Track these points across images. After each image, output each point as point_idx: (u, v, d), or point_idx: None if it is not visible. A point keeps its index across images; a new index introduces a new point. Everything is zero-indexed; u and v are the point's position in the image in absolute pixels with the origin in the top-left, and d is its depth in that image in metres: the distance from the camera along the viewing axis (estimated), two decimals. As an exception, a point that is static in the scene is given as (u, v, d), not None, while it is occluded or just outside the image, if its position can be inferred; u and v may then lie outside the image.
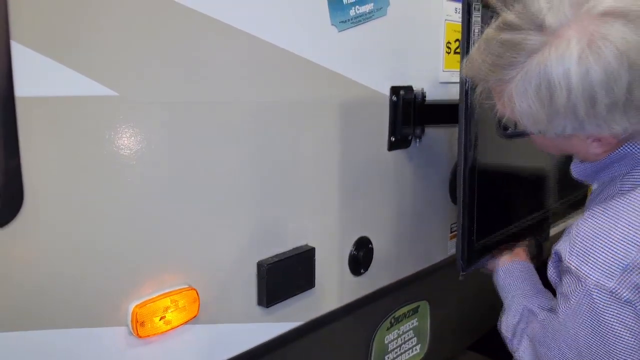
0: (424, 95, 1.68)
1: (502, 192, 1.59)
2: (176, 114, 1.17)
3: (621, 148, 0.98)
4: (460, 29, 1.89)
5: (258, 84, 1.32)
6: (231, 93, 1.27)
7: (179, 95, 1.17)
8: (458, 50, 1.91)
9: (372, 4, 1.56)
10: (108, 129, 1.07)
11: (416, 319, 2.03)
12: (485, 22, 1.34)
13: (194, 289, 1.24)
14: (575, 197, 1.89)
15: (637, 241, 0.87)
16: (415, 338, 2.04)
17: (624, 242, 0.88)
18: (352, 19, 1.51)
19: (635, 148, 0.97)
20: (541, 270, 1.20)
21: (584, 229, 0.93)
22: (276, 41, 1.33)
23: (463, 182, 1.37)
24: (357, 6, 1.52)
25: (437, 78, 1.85)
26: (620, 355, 0.91)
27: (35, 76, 0.96)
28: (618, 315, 0.89)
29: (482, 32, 1.18)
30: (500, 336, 1.29)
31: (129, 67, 1.08)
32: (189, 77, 1.18)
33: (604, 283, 0.89)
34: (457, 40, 1.89)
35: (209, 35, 1.20)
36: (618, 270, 0.88)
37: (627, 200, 0.92)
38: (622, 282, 0.87)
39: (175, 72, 1.15)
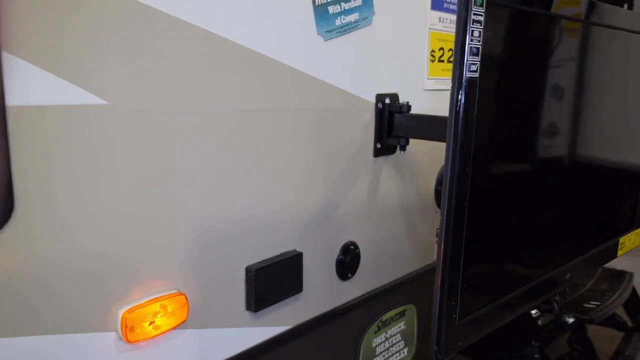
0: (408, 107, 1.71)
1: (501, 245, 1.35)
2: (167, 122, 1.19)
3: None
4: (444, 38, 1.95)
5: (246, 92, 1.34)
6: (219, 101, 1.29)
7: (170, 104, 1.19)
8: (442, 58, 1.95)
9: (357, 14, 1.59)
10: (99, 137, 1.09)
11: (403, 323, 2.05)
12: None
13: (183, 294, 1.26)
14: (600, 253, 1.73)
15: None
16: (402, 341, 2.06)
17: None
18: (338, 29, 1.54)
19: None
20: None
21: None
22: (264, 50, 1.36)
23: (446, 230, 1.10)
24: (342, 16, 1.55)
25: (422, 85, 1.88)
26: None
27: (26, 85, 0.98)
28: None
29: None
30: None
31: (120, 75, 1.10)
32: (180, 85, 1.20)
33: None
34: (441, 48, 1.93)
35: (198, 44, 1.22)
36: None
37: None
38: None
39: (166, 81, 1.18)
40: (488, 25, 1.12)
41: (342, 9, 1.55)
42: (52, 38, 1.00)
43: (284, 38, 1.41)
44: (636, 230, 2.09)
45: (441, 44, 1.93)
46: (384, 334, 1.96)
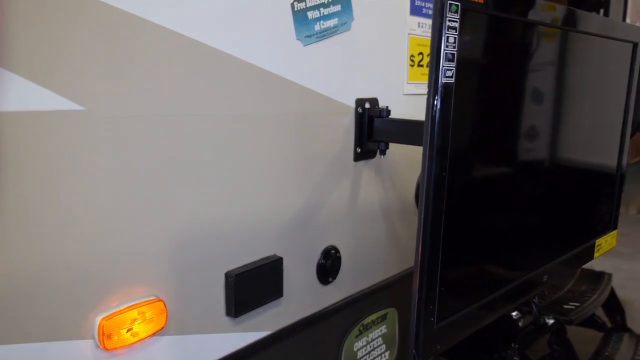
0: (388, 112, 1.72)
1: (480, 248, 1.35)
2: (143, 128, 1.19)
3: None
4: (423, 43, 1.96)
5: (224, 97, 1.34)
6: (197, 106, 1.29)
7: (146, 109, 1.19)
8: (422, 63, 1.96)
9: (336, 19, 1.60)
10: (74, 143, 1.08)
11: (385, 326, 2.06)
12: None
13: (162, 301, 1.25)
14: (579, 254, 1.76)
15: None
16: (384, 345, 2.07)
17: None
18: (317, 34, 1.55)
19: None
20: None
21: None
22: (243, 55, 1.36)
23: (423, 234, 1.11)
24: (321, 21, 1.56)
25: (401, 90, 1.90)
26: None
27: (0, 91, 0.97)
28: None
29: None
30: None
31: (95, 81, 1.09)
32: (157, 91, 1.20)
33: None
34: (420, 53, 1.94)
35: (175, 50, 1.22)
36: None
37: None
38: None
39: (143, 86, 1.17)
40: (463, 31, 1.13)
41: (321, 15, 1.56)
42: (25, 43, 0.99)
43: (263, 43, 1.41)
44: (612, 232, 2.12)
45: (420, 49, 1.95)
46: (365, 337, 1.96)
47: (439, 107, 1.10)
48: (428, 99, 1.11)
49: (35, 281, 1.06)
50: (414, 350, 1.13)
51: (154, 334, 1.25)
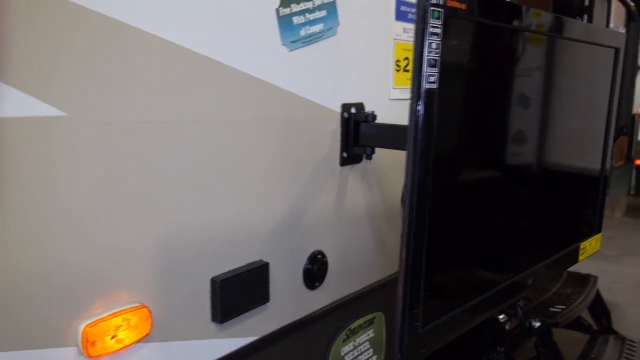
0: (374, 117, 1.73)
1: (465, 251, 1.35)
2: (128, 133, 1.18)
3: None
4: (409, 47, 1.97)
5: (210, 102, 1.34)
6: (182, 112, 1.28)
7: (130, 115, 1.18)
8: (407, 68, 1.97)
9: (322, 24, 1.61)
10: (57, 148, 1.07)
11: (372, 331, 2.06)
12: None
13: (146, 307, 1.25)
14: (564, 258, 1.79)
15: None
16: (371, 349, 2.07)
17: None
18: (302, 39, 1.55)
19: None
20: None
21: None
22: (228, 61, 1.36)
23: (407, 239, 1.11)
24: (307, 26, 1.56)
25: (387, 95, 1.91)
26: None
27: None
28: None
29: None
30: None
31: (78, 87, 1.09)
32: (140, 96, 1.20)
33: None
34: (406, 58, 1.96)
35: (159, 55, 1.22)
36: None
37: None
38: None
39: (126, 91, 1.17)
40: (445, 37, 1.14)
41: (307, 20, 1.56)
42: (6, 49, 0.99)
43: (248, 48, 1.41)
44: (596, 235, 2.14)
45: (406, 54, 1.96)
46: (352, 342, 1.96)
47: (421, 112, 1.11)
48: (411, 104, 1.12)
49: (17, 288, 1.05)
50: (399, 355, 1.14)
51: (138, 341, 1.24)
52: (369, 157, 1.80)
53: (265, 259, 1.54)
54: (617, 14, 3.69)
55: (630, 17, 2.49)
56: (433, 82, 1.12)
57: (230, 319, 1.44)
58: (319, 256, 1.72)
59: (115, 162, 1.17)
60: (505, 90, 1.56)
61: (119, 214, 1.19)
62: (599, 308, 3.48)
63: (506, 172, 1.64)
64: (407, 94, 1.96)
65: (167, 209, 1.28)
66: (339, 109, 1.71)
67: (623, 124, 2.44)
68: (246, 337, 1.52)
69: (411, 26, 1.95)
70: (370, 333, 2.05)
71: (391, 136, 1.67)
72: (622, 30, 3.10)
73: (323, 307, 1.78)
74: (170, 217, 1.29)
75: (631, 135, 4.76)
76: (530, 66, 1.66)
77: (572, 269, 2.97)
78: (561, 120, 1.87)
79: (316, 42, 1.60)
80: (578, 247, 2.00)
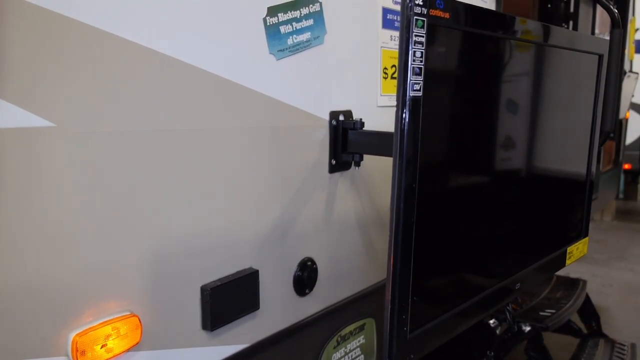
0: (362, 124, 1.75)
1: (453, 254, 1.36)
2: (116, 143, 1.19)
3: None
4: (396, 55, 1.99)
5: (198, 111, 1.35)
6: (170, 121, 1.29)
7: (119, 125, 1.19)
8: (395, 75, 1.99)
9: (309, 33, 1.62)
10: (45, 159, 1.08)
11: (363, 337, 2.07)
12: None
13: (136, 316, 1.25)
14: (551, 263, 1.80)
15: None
16: (362, 356, 2.08)
17: None
18: (290, 48, 1.57)
19: None
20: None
21: None
22: (215, 69, 1.37)
23: (394, 245, 1.12)
24: (294, 35, 1.58)
25: (375, 102, 1.93)
26: None
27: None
28: None
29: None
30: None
31: (66, 97, 1.09)
32: (129, 106, 1.20)
33: None
34: (393, 66, 1.98)
35: (147, 64, 1.23)
36: None
37: None
38: None
39: (115, 101, 1.17)
40: (430, 45, 1.16)
41: (294, 29, 1.58)
42: (-5, 60, 0.99)
43: (236, 57, 1.43)
44: (583, 239, 2.16)
45: (393, 62, 1.98)
46: (343, 348, 1.97)
47: (407, 120, 1.13)
48: (397, 112, 1.13)
49: (6, 298, 1.05)
50: (387, 358, 1.15)
51: (128, 350, 1.24)
52: (358, 164, 1.81)
53: (255, 267, 1.54)
54: (602, 20, 3.75)
55: (614, 24, 2.53)
56: (418, 90, 1.14)
57: (220, 327, 1.45)
58: (309, 263, 1.73)
59: (104, 172, 1.17)
60: (490, 97, 1.59)
61: (109, 222, 1.19)
62: (589, 312, 3.51)
63: (492, 177, 1.66)
64: (395, 101, 1.99)
65: (156, 217, 1.28)
66: (327, 117, 1.73)
67: (609, 129, 2.48)
68: (237, 345, 1.52)
69: (398, 34, 1.97)
70: (361, 339, 2.06)
71: (379, 143, 1.69)
72: (607, 37, 3.15)
73: (313, 314, 1.79)
74: (159, 225, 1.29)
75: (619, 139, 4.82)
76: (515, 73, 1.69)
77: (561, 273, 3.00)
78: (547, 125, 1.89)
79: (303, 50, 1.61)
80: (565, 252, 2.02)
